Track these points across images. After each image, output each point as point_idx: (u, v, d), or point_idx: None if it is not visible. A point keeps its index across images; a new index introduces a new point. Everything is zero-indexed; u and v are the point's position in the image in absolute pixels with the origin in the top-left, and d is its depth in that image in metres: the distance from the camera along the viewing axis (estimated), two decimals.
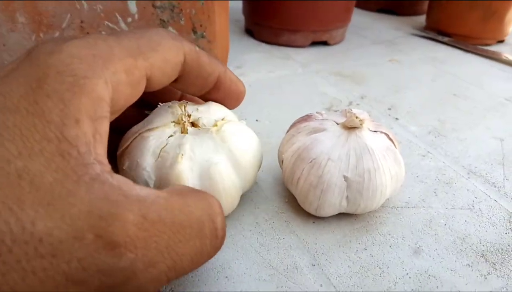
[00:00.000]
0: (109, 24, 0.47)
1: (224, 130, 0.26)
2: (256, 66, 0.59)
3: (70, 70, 0.16)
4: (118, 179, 0.16)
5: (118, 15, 0.46)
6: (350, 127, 0.27)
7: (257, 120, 0.43)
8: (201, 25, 0.49)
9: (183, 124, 0.26)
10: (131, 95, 0.19)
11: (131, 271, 0.15)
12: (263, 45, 0.70)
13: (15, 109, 0.15)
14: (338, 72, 0.59)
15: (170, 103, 0.27)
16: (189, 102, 0.27)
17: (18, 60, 0.17)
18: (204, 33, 0.49)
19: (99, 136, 0.16)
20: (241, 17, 0.78)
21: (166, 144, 0.25)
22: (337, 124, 0.29)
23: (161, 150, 0.25)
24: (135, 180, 0.24)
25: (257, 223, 0.29)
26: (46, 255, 0.13)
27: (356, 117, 0.27)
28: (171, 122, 0.26)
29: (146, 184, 0.24)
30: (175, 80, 0.23)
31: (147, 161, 0.24)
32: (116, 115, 0.20)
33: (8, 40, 0.46)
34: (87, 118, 0.16)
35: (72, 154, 0.15)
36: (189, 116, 0.26)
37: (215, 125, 0.26)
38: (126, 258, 0.14)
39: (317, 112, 0.31)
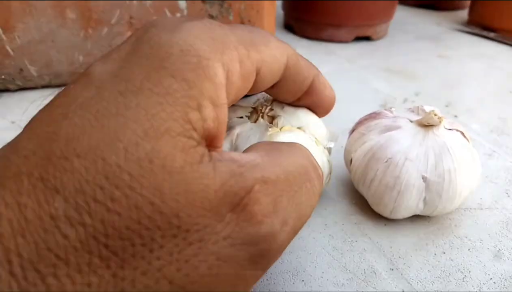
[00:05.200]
0: None
1: (277, 136, 0.25)
2: None
3: (194, 50, 0.15)
4: (225, 153, 0.16)
5: (167, 11, 0.46)
6: (427, 125, 0.26)
7: None
8: (249, 21, 0.48)
9: (258, 113, 0.26)
10: (241, 88, 0.18)
11: (271, 234, 0.15)
12: (304, 40, 0.69)
13: (138, 90, 0.14)
14: (387, 68, 0.57)
15: (264, 93, 0.27)
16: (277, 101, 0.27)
17: (132, 41, 0.16)
18: None
19: (218, 123, 0.16)
20: (280, 12, 0.76)
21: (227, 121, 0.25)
22: (411, 121, 0.27)
23: None
24: None
25: (326, 225, 0.28)
26: (194, 241, 0.13)
27: (435, 115, 0.26)
28: (251, 107, 0.26)
29: None
30: (272, 86, 0.22)
31: None
32: None
33: (57, 37, 0.45)
34: (210, 103, 0.15)
35: (193, 136, 0.14)
36: (271, 109, 0.26)
37: (280, 128, 0.25)
38: (265, 224, 0.15)
39: (385, 109, 0.30)
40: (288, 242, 0.16)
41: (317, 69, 0.24)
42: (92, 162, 0.12)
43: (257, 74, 0.19)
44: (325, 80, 0.25)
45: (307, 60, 0.23)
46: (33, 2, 0.43)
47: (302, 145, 0.20)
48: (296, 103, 0.25)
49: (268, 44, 0.19)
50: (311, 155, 0.19)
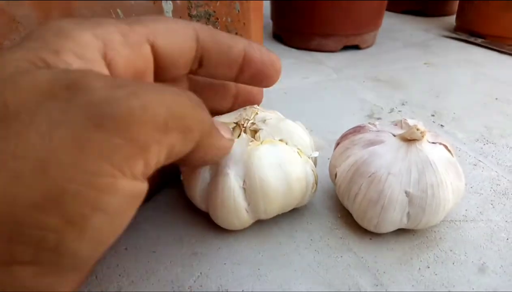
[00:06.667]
0: None
1: (257, 149, 0.25)
2: (288, 72, 0.58)
3: (57, 25, 0.17)
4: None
5: None
6: (410, 139, 0.26)
7: None
8: (236, 33, 0.48)
9: (240, 128, 0.27)
10: (132, 57, 0.19)
11: (112, 98, 0.15)
12: (293, 50, 0.69)
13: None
14: (374, 77, 0.57)
15: (247, 107, 0.28)
16: (262, 110, 0.28)
17: None
18: None
19: (85, 65, 0.17)
20: (269, 22, 0.77)
21: None
22: (394, 135, 0.27)
23: None
24: None
25: (311, 240, 0.28)
26: (24, 118, 0.14)
27: (418, 129, 0.26)
28: (234, 123, 0.27)
29: None
30: (200, 65, 0.23)
31: None
32: None
33: None
34: (72, 54, 0.16)
35: (38, 64, 0.15)
36: (253, 123, 0.27)
37: (262, 142, 0.26)
38: (102, 91, 0.15)
39: (369, 123, 0.30)
40: (144, 113, 0.15)
41: (246, 40, 0.24)
42: None
43: (154, 45, 0.19)
44: (261, 46, 0.25)
45: (233, 35, 0.24)
46: (19, 18, 0.43)
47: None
48: (243, 79, 0.26)
49: (159, 21, 0.20)
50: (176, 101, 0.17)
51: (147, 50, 0.19)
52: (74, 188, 0.13)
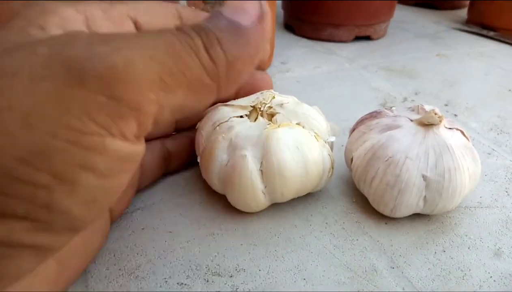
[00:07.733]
0: None
1: (275, 131, 0.25)
2: (300, 62, 0.58)
3: (41, 4, 0.18)
4: None
5: None
6: (427, 124, 0.26)
7: None
8: None
9: (257, 112, 0.28)
10: (114, 30, 0.19)
11: (95, 54, 0.14)
12: (304, 40, 0.69)
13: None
14: (387, 67, 0.57)
15: (264, 91, 0.29)
16: (279, 95, 0.29)
17: None
18: None
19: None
20: (280, 12, 0.76)
21: (226, 121, 0.27)
22: (411, 120, 0.27)
23: (218, 124, 0.27)
24: (199, 139, 0.29)
25: (327, 223, 0.28)
26: (7, 74, 0.13)
27: (435, 114, 0.26)
28: (250, 106, 0.28)
29: (201, 145, 0.28)
30: None
31: (206, 129, 0.28)
32: None
33: None
34: (57, 28, 0.17)
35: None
36: (270, 107, 0.28)
37: (279, 125, 0.26)
38: (83, 48, 0.14)
39: (386, 108, 0.30)
40: (128, 69, 0.14)
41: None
42: None
43: (137, 22, 0.21)
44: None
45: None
46: None
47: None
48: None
49: (140, 2, 0.21)
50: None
51: (130, 26, 0.20)
52: (59, 145, 0.13)
